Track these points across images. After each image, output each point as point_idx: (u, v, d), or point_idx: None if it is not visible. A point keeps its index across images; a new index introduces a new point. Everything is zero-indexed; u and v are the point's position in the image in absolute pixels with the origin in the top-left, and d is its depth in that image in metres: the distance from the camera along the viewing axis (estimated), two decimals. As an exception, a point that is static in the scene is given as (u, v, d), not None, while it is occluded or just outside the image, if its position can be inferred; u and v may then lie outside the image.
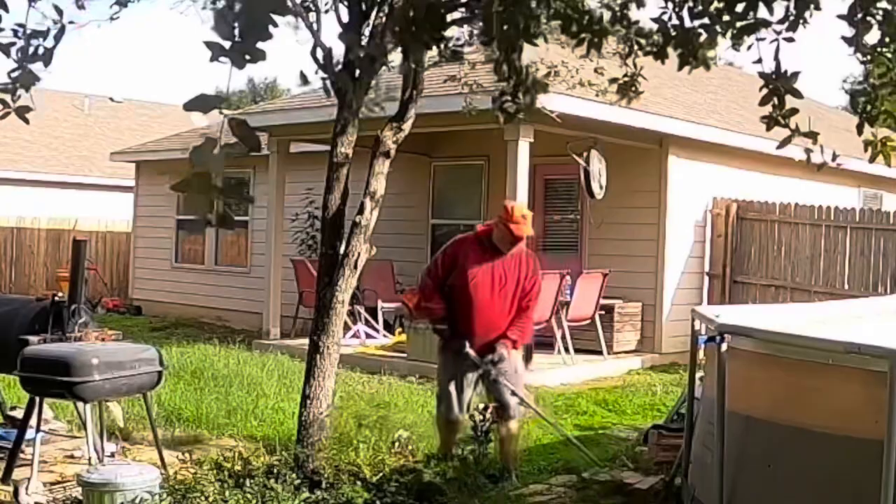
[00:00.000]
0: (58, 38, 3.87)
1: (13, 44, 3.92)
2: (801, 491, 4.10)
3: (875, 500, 3.68)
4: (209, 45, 2.41)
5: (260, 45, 2.46)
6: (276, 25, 2.47)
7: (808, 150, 4.17)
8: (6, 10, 3.89)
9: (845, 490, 3.93)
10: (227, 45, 2.42)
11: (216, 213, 2.40)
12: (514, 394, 5.84)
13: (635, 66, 5.08)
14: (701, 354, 5.23)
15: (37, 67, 3.93)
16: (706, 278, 12.24)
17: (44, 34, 3.91)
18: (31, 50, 3.91)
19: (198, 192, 2.36)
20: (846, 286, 11.05)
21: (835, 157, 4.22)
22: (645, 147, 11.55)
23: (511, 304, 5.81)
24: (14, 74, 3.92)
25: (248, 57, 2.44)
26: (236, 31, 2.43)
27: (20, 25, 3.91)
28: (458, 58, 5.04)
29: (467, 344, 5.74)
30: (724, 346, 4.44)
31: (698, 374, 5.33)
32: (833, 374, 3.98)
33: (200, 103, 2.39)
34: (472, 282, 5.73)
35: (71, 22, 3.96)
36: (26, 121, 3.96)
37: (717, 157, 12.18)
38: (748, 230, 12.08)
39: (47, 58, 3.90)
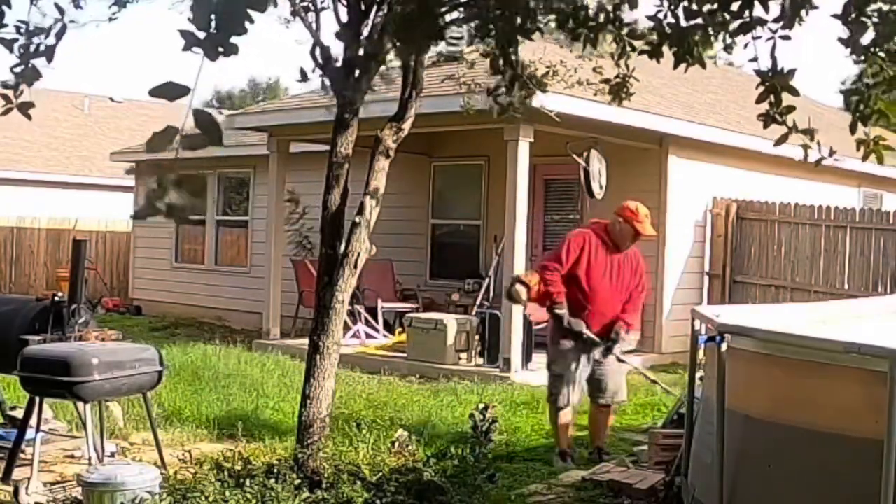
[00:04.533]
0: (59, 36, 3.86)
1: (16, 40, 3.91)
2: (801, 491, 4.09)
3: (875, 500, 3.68)
4: (183, 34, 2.40)
5: (235, 39, 2.44)
6: (252, 21, 2.46)
7: (805, 147, 4.17)
8: (9, 6, 3.89)
9: (845, 490, 3.93)
10: (201, 35, 2.40)
11: (168, 204, 2.37)
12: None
13: (627, 67, 5.06)
14: (701, 354, 5.23)
15: (39, 63, 3.93)
16: (706, 278, 12.23)
17: (46, 31, 3.91)
18: (34, 46, 3.90)
19: (150, 174, 2.36)
20: (846, 286, 11.05)
21: (832, 153, 4.22)
22: (645, 147, 11.55)
23: (624, 294, 6.51)
24: (17, 70, 3.91)
25: (221, 49, 2.43)
26: (213, 24, 2.41)
27: (23, 22, 3.91)
28: (454, 59, 5.05)
29: (584, 326, 6.36)
30: (724, 346, 4.44)
31: (698, 374, 5.33)
32: (833, 373, 3.98)
33: (166, 91, 2.37)
34: (596, 274, 6.41)
35: (72, 21, 3.96)
36: (29, 117, 3.95)
37: (717, 157, 12.17)
38: (748, 230, 12.07)
39: (50, 54, 3.89)
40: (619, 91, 5.24)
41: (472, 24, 4.33)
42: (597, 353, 6.44)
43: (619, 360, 6.53)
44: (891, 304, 7.25)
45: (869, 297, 9.68)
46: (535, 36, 4.33)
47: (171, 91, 2.36)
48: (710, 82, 14.53)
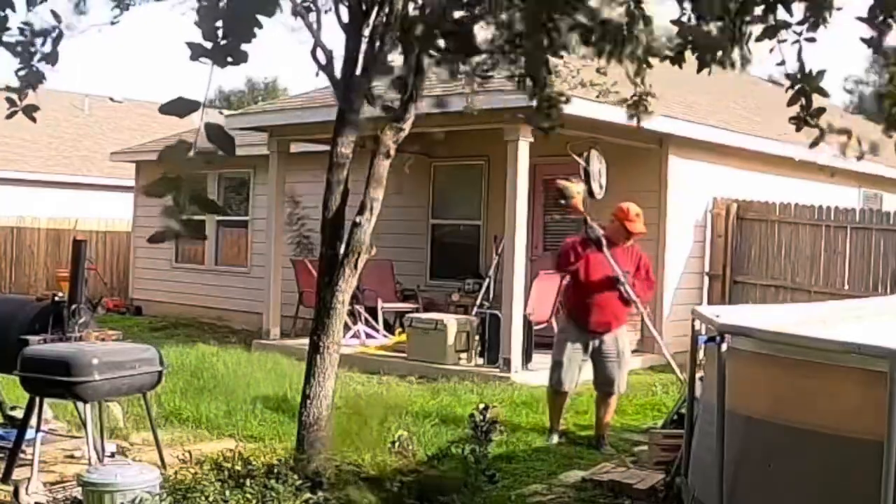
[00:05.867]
0: (56, 42, 3.87)
1: (19, 43, 3.92)
2: (801, 491, 4.09)
3: (875, 500, 3.68)
4: (190, 45, 2.36)
5: (243, 46, 2.41)
6: (260, 27, 2.44)
7: (843, 145, 4.16)
8: (13, 9, 3.90)
9: (845, 490, 3.93)
10: (208, 45, 2.37)
11: (184, 223, 2.29)
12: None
13: (643, 83, 5.04)
14: (701, 354, 5.23)
15: (43, 66, 3.94)
16: (706, 278, 12.23)
17: (48, 33, 3.92)
18: (37, 50, 3.92)
19: (165, 194, 2.27)
20: (846, 286, 11.05)
21: (873, 147, 4.21)
22: (645, 147, 11.54)
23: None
24: (21, 73, 3.92)
25: (230, 58, 2.40)
26: (220, 32, 2.38)
27: (26, 24, 3.92)
28: (486, 78, 5.03)
29: (599, 232, 7.05)
30: (724, 346, 4.44)
31: (698, 375, 5.33)
32: (833, 374, 3.98)
33: (176, 107, 2.31)
34: (594, 265, 7.00)
35: (67, 27, 3.97)
36: (34, 119, 3.98)
37: (717, 157, 12.17)
38: (748, 230, 12.07)
39: (53, 58, 3.90)
40: (637, 107, 5.23)
41: (503, 43, 4.30)
42: (597, 342, 7.01)
43: (603, 358, 7.04)
44: (891, 304, 7.25)
45: (869, 298, 9.67)
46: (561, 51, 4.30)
47: (181, 107, 2.30)
48: (710, 82, 14.50)
